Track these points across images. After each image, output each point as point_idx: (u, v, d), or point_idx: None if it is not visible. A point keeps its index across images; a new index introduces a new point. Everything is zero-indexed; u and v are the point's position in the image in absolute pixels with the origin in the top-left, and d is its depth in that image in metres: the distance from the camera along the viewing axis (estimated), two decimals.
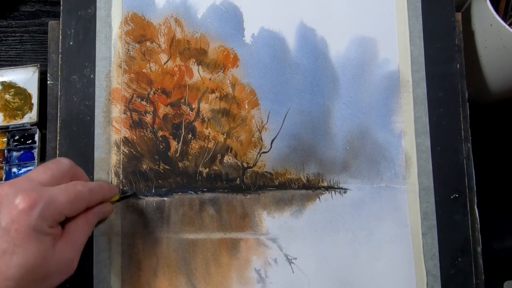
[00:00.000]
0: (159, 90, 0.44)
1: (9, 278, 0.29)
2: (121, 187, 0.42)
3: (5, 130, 0.52)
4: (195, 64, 0.44)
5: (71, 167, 0.36)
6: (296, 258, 0.42)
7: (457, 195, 0.43)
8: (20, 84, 0.53)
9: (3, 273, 0.29)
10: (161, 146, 0.43)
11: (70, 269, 0.34)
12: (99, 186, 0.37)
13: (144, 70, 0.44)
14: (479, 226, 0.44)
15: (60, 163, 0.35)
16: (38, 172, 0.34)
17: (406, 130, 0.44)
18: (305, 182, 0.43)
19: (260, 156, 0.43)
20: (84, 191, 0.34)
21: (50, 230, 0.31)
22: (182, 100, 0.44)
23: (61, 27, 0.44)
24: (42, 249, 0.31)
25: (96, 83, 0.43)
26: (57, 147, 0.42)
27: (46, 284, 0.32)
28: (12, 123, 0.51)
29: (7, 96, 0.52)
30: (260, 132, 0.44)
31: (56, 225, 0.32)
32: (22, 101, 0.52)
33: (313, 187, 0.43)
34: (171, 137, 0.43)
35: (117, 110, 0.43)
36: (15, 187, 0.31)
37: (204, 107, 0.44)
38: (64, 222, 0.33)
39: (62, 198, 0.32)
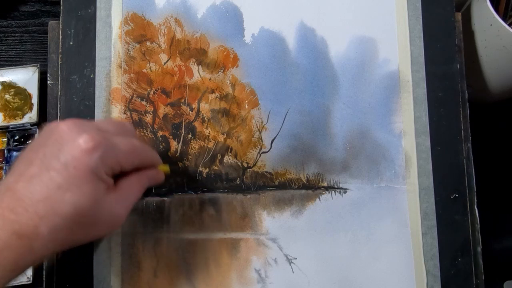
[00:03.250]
0: (159, 90, 0.44)
1: (58, 214, 0.29)
2: None
3: (5, 130, 0.52)
4: (195, 64, 0.44)
5: (133, 132, 0.36)
6: (296, 258, 0.42)
7: (457, 195, 0.43)
8: (20, 84, 0.53)
9: (54, 208, 0.29)
10: (161, 146, 0.43)
11: (118, 224, 0.33)
12: (151, 148, 0.37)
13: (144, 70, 0.44)
14: (479, 226, 0.44)
15: (125, 124, 0.36)
16: (101, 121, 0.35)
17: (406, 130, 0.44)
18: (305, 182, 0.43)
19: (260, 156, 0.43)
20: (141, 147, 0.35)
21: (106, 177, 0.31)
22: (182, 100, 0.44)
23: (61, 27, 0.44)
24: (95, 194, 0.30)
25: (96, 83, 0.43)
26: None
27: (92, 231, 0.32)
28: (12, 123, 0.51)
29: (7, 96, 0.52)
30: (260, 132, 0.44)
31: (111, 174, 0.32)
32: (22, 101, 0.52)
33: (313, 187, 0.43)
34: (171, 137, 0.43)
35: (117, 110, 0.43)
36: (80, 126, 0.31)
37: (204, 107, 0.44)
38: (117, 179, 0.33)
39: (122, 147, 0.32)
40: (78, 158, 0.30)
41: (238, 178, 0.43)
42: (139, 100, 0.43)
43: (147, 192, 0.41)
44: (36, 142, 0.32)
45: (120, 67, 0.43)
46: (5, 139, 0.52)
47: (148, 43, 0.44)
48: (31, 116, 0.52)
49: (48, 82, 0.45)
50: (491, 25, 0.45)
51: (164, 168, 0.39)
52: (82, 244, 0.32)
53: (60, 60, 0.43)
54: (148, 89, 0.43)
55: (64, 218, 0.29)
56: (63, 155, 0.30)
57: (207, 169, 0.43)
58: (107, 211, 0.32)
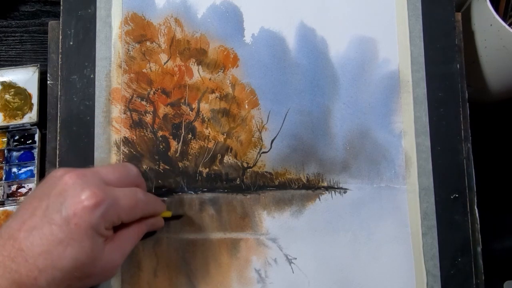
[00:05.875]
0: (159, 90, 0.44)
1: (58, 268, 0.30)
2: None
3: (5, 130, 0.52)
4: (195, 64, 0.44)
5: (137, 176, 0.36)
6: (296, 258, 0.42)
7: (457, 195, 0.43)
8: (20, 84, 0.53)
9: (54, 262, 0.30)
10: (161, 146, 0.43)
11: (113, 273, 0.34)
12: (155, 199, 0.37)
13: (144, 70, 0.44)
14: (479, 226, 0.44)
15: (129, 169, 0.36)
16: (106, 171, 0.34)
17: (406, 130, 0.44)
18: (305, 182, 0.43)
19: (260, 156, 0.43)
20: (144, 200, 0.35)
21: (105, 232, 0.32)
22: (182, 100, 0.44)
23: (61, 27, 0.44)
24: (95, 249, 0.31)
25: (96, 83, 0.43)
26: (57, 147, 0.42)
27: (88, 282, 0.33)
28: (12, 123, 0.51)
29: (7, 96, 0.52)
30: (260, 132, 0.44)
31: (111, 228, 0.33)
32: (22, 101, 0.52)
33: (313, 187, 0.43)
34: (171, 137, 0.43)
35: (117, 110, 0.43)
36: (84, 180, 0.31)
37: (204, 107, 0.44)
38: (117, 227, 0.34)
39: (124, 203, 0.33)
40: (79, 215, 0.30)
41: (238, 178, 0.43)
42: (139, 100, 0.43)
43: (147, 235, 0.40)
44: (41, 189, 0.32)
45: (120, 67, 0.43)
46: (5, 139, 0.52)
47: (148, 43, 0.44)
48: (31, 116, 0.52)
49: (48, 82, 0.45)
50: (491, 25, 0.45)
51: (166, 214, 0.40)
52: None
53: (60, 60, 0.43)
54: (148, 89, 0.43)
55: (63, 272, 0.30)
56: (65, 210, 0.30)
57: (207, 169, 0.43)
58: (104, 263, 0.32)
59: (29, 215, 0.31)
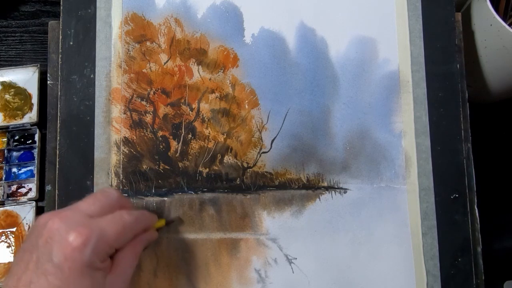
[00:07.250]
0: (159, 90, 0.44)
1: None
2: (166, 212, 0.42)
3: (5, 130, 0.52)
4: (195, 64, 0.44)
5: (119, 198, 0.36)
6: (296, 258, 0.42)
7: (457, 195, 0.43)
8: (20, 84, 0.53)
9: None
10: (161, 146, 0.43)
11: None
12: (142, 214, 0.37)
13: (144, 70, 0.44)
14: (479, 226, 0.44)
15: (109, 194, 0.35)
16: (87, 204, 0.34)
17: (406, 130, 0.44)
18: (305, 182, 0.43)
19: (260, 156, 0.43)
20: (131, 221, 0.34)
21: (101, 265, 0.32)
22: (182, 100, 0.44)
23: (61, 27, 0.44)
24: (95, 285, 0.31)
25: (96, 83, 0.43)
26: (57, 147, 0.42)
27: None
28: (12, 123, 0.51)
29: (7, 96, 0.52)
30: (260, 132, 0.44)
31: (106, 258, 0.32)
32: (22, 101, 0.52)
33: (313, 187, 0.43)
34: (171, 137, 0.43)
35: (117, 110, 0.43)
36: (66, 221, 0.31)
37: (204, 107, 0.44)
38: (112, 254, 0.33)
39: (111, 231, 0.32)
40: (70, 258, 0.30)
41: (238, 178, 0.43)
42: (139, 100, 0.43)
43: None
44: (29, 241, 0.32)
45: (120, 67, 0.43)
46: (5, 139, 0.52)
47: (148, 43, 0.44)
48: (31, 116, 0.52)
49: (48, 82, 0.45)
50: (491, 25, 0.45)
51: (160, 223, 0.40)
52: None
53: (60, 60, 0.43)
54: (148, 89, 0.43)
55: None
56: (56, 257, 0.30)
57: (207, 169, 0.43)
58: None
59: (23, 270, 0.30)
